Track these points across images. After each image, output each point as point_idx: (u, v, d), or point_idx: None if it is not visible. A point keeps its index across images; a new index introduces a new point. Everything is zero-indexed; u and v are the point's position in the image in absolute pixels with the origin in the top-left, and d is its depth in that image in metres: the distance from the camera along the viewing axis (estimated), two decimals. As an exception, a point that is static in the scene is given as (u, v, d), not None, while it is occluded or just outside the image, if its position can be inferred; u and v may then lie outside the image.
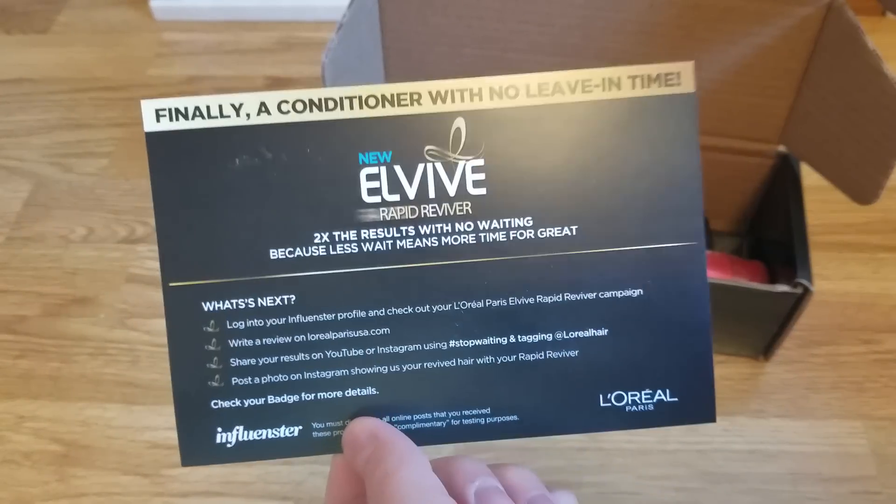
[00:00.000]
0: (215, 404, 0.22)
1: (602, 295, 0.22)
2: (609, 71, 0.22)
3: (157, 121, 0.21)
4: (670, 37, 0.50)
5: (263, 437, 0.22)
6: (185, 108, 0.21)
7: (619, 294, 0.22)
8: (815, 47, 0.48)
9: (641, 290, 0.22)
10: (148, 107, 0.21)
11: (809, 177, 0.51)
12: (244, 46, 0.80)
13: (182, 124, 0.21)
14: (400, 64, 0.57)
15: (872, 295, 0.56)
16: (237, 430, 0.22)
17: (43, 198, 0.66)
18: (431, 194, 0.22)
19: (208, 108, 0.21)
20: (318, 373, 0.22)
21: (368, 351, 0.22)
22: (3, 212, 0.65)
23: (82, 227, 0.63)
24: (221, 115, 0.21)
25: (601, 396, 0.22)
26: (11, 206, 0.65)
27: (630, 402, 0.22)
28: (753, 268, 0.52)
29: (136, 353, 0.55)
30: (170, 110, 0.21)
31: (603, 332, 0.22)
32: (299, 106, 0.21)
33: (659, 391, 0.22)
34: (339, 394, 0.22)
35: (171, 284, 0.22)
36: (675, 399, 0.22)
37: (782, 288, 0.45)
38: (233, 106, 0.21)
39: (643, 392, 0.22)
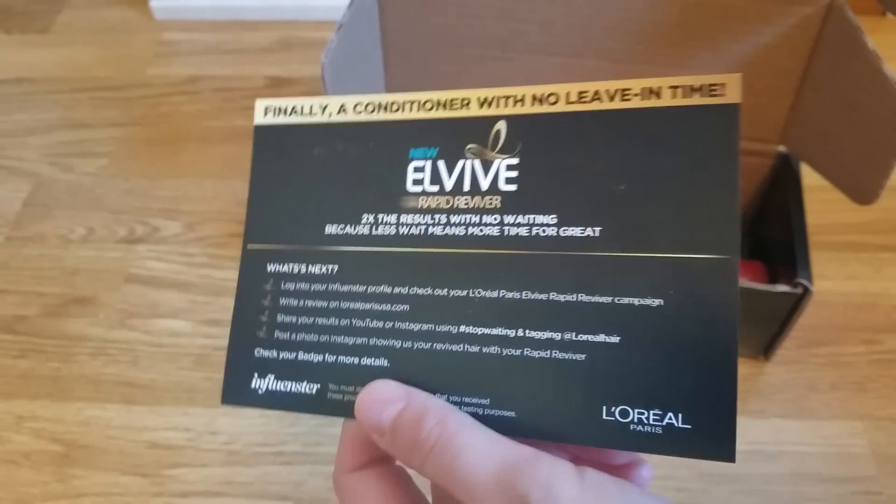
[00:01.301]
0: (258, 352, 0.24)
1: (618, 300, 0.21)
2: (650, 81, 0.22)
3: (265, 115, 0.26)
4: (671, 36, 0.50)
5: (287, 389, 0.24)
6: (286, 107, 0.25)
7: (636, 302, 0.21)
8: (815, 47, 0.48)
9: (662, 301, 0.21)
10: (259, 104, 0.26)
11: (810, 177, 0.51)
12: (244, 46, 0.80)
13: (281, 119, 0.25)
14: (400, 64, 0.57)
15: (873, 295, 0.56)
16: (269, 378, 0.24)
17: (42, 198, 0.66)
18: (466, 187, 0.23)
19: (302, 107, 0.25)
20: (342, 338, 0.24)
21: (388, 324, 0.23)
22: (2, 212, 0.65)
23: (82, 227, 0.63)
24: (311, 113, 0.25)
25: (604, 408, 0.21)
26: (11, 206, 0.65)
27: (636, 419, 0.21)
28: (753, 268, 0.52)
29: (135, 354, 0.55)
30: (276, 108, 0.25)
31: (614, 339, 0.21)
32: (370, 108, 0.25)
33: (670, 414, 0.21)
34: (356, 360, 0.23)
35: (249, 247, 0.25)
36: (688, 426, 0.21)
37: (782, 288, 0.45)
38: (320, 106, 0.25)
39: (651, 412, 0.21)
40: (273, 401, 0.24)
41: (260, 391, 0.24)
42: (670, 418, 0.21)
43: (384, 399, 0.21)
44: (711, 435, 0.21)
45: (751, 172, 0.56)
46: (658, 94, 0.22)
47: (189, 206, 0.64)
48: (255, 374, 0.24)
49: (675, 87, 0.22)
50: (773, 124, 0.53)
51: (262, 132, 0.25)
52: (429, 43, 0.55)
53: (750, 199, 0.58)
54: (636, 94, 0.22)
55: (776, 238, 0.52)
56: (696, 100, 0.22)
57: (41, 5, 0.87)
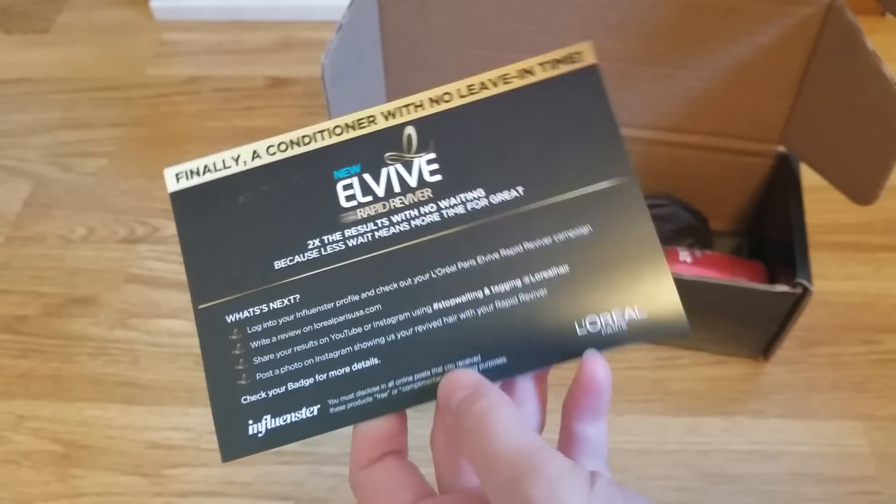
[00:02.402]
0: (244, 400, 0.25)
1: (556, 238, 0.25)
2: (523, 63, 0.26)
3: (177, 182, 0.26)
4: (670, 37, 0.50)
5: (288, 421, 0.25)
6: (197, 168, 0.26)
7: (570, 234, 0.25)
8: (815, 47, 0.48)
9: (590, 226, 0.25)
10: (168, 172, 0.26)
11: (809, 177, 0.51)
12: (244, 46, 0.80)
13: (196, 181, 0.26)
14: (400, 64, 0.57)
15: (873, 295, 0.56)
16: (265, 420, 0.25)
17: (43, 198, 0.66)
18: (397, 189, 0.26)
19: (214, 164, 0.26)
20: (326, 355, 0.25)
21: (366, 327, 0.25)
22: (2, 212, 0.65)
23: (82, 227, 0.63)
24: (224, 167, 0.26)
25: (576, 325, 0.24)
26: (11, 206, 0.65)
27: (603, 324, 0.24)
28: (753, 268, 0.52)
29: (136, 353, 0.55)
30: (186, 172, 0.26)
31: (564, 268, 0.25)
32: (283, 146, 0.26)
33: (628, 309, 0.24)
34: (347, 369, 0.25)
35: (199, 307, 0.26)
36: (645, 315, 0.24)
37: (782, 288, 0.45)
38: (232, 158, 0.26)
39: (613, 313, 0.24)
40: (277, 438, 0.25)
41: (260, 435, 0.25)
42: (629, 313, 0.24)
43: (459, 384, 0.23)
44: (664, 315, 0.24)
45: (750, 172, 0.56)
46: (532, 72, 0.26)
47: (189, 206, 0.64)
48: (250, 421, 0.25)
49: (543, 63, 0.26)
50: (773, 124, 0.53)
51: (180, 197, 0.26)
52: (429, 43, 0.55)
53: (750, 199, 0.58)
54: (514, 77, 0.26)
55: (776, 238, 0.53)
56: (563, 69, 0.26)
57: (41, 5, 0.87)
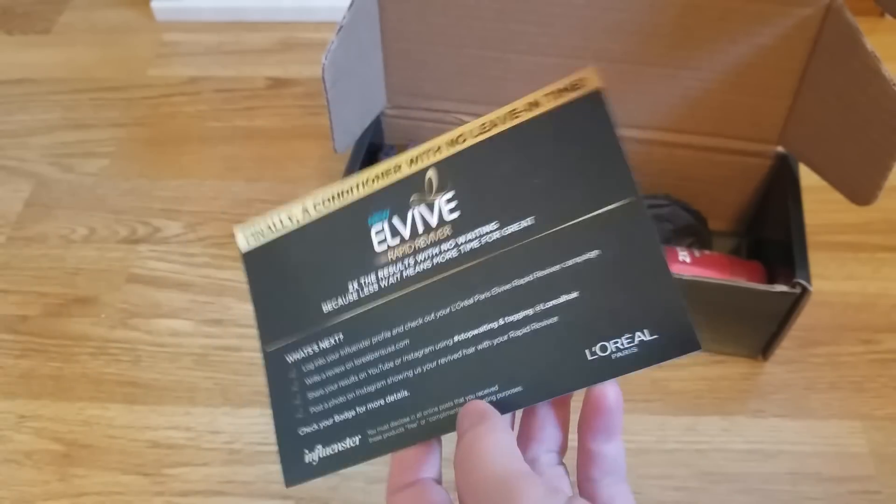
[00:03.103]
0: (301, 432, 0.28)
1: (565, 264, 0.25)
2: (529, 96, 0.26)
3: (248, 243, 0.30)
4: (670, 37, 0.51)
5: (336, 450, 0.27)
6: (262, 230, 0.29)
7: (578, 259, 0.25)
8: (814, 48, 0.48)
9: (599, 251, 0.25)
10: (240, 235, 0.30)
11: (809, 177, 0.51)
12: (245, 47, 0.80)
13: (262, 240, 0.29)
14: (400, 64, 0.57)
15: (872, 295, 0.56)
16: (318, 449, 0.27)
17: (44, 198, 0.66)
18: (420, 229, 0.27)
19: (274, 224, 0.29)
20: (365, 388, 0.27)
21: (396, 361, 0.27)
22: (4, 212, 0.65)
23: (83, 227, 0.63)
24: (283, 226, 0.29)
25: (587, 351, 0.25)
26: (12, 206, 0.65)
27: (614, 349, 0.24)
28: (752, 268, 0.53)
29: (137, 353, 0.55)
30: (255, 233, 0.29)
31: (574, 294, 0.25)
32: (326, 203, 0.28)
33: (637, 333, 0.24)
34: (382, 402, 0.27)
35: (268, 350, 0.29)
36: (656, 336, 0.24)
37: (780, 288, 0.45)
38: (288, 218, 0.29)
39: (623, 337, 0.24)
40: (327, 466, 0.27)
41: (314, 463, 0.27)
42: (639, 336, 0.24)
43: (466, 414, 0.24)
44: (675, 336, 0.24)
45: (749, 173, 0.56)
46: (538, 104, 0.26)
47: (190, 207, 0.64)
48: (306, 451, 0.27)
49: (548, 94, 0.26)
50: (772, 125, 0.53)
51: (250, 258, 0.29)
52: (429, 44, 0.55)
53: (749, 199, 0.58)
54: (522, 111, 0.26)
55: (775, 238, 0.53)
56: (567, 97, 0.26)
57: (42, 6, 0.87)
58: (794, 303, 0.46)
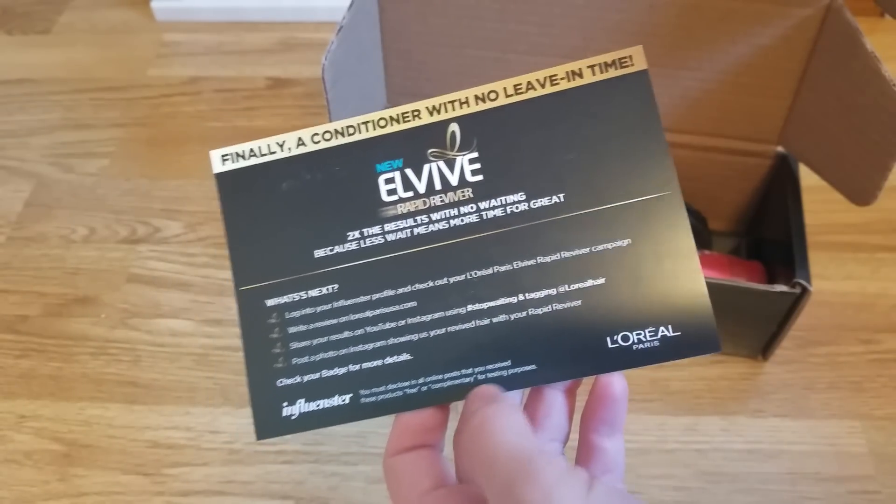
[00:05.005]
0: (280, 383, 0.26)
1: (595, 249, 0.25)
2: (571, 64, 0.26)
3: (223, 164, 0.27)
4: (670, 37, 0.51)
5: (321, 406, 0.25)
6: (243, 151, 0.27)
7: (609, 246, 0.25)
8: (814, 48, 0.49)
9: (630, 240, 0.25)
10: (215, 155, 0.27)
11: (809, 177, 0.51)
12: (245, 47, 0.80)
13: (241, 164, 0.26)
14: (400, 65, 0.57)
15: (871, 295, 0.56)
16: (299, 403, 0.26)
17: (44, 198, 0.66)
18: (438, 186, 0.26)
19: (259, 148, 0.26)
20: (360, 346, 0.25)
21: (400, 322, 0.25)
22: (4, 212, 0.65)
23: (83, 227, 0.63)
24: (270, 152, 0.26)
25: (608, 339, 0.24)
26: (12, 207, 0.65)
27: (636, 340, 0.24)
28: (752, 268, 0.53)
29: (137, 353, 0.55)
30: (233, 154, 0.27)
31: (601, 280, 0.25)
32: (327, 135, 0.26)
33: (661, 328, 0.24)
34: (380, 362, 0.25)
35: (241, 289, 0.26)
36: (678, 333, 0.24)
37: (780, 288, 0.46)
38: (277, 144, 0.26)
39: (647, 330, 0.24)
40: (309, 422, 0.26)
41: (293, 417, 0.26)
42: (663, 331, 0.24)
43: (478, 394, 0.24)
44: (697, 334, 0.24)
45: (749, 173, 0.56)
46: (580, 75, 0.25)
47: (190, 207, 0.64)
48: (285, 403, 0.26)
49: (592, 66, 0.25)
50: (772, 125, 0.53)
51: (225, 178, 0.27)
52: (429, 44, 0.55)
53: (749, 199, 0.58)
54: (562, 78, 0.26)
55: (774, 238, 0.53)
56: (612, 73, 0.25)
57: (42, 6, 0.87)
58: (794, 303, 0.46)
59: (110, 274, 0.60)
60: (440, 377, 0.25)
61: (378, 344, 0.25)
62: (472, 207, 0.25)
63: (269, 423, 0.26)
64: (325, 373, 0.25)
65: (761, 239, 0.57)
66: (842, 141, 0.47)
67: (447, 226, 0.25)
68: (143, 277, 0.60)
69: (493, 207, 0.25)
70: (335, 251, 0.26)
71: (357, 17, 0.50)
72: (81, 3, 0.87)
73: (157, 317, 0.57)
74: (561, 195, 0.25)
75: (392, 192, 0.26)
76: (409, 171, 0.26)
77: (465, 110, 0.26)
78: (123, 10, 0.85)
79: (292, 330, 0.26)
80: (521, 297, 0.25)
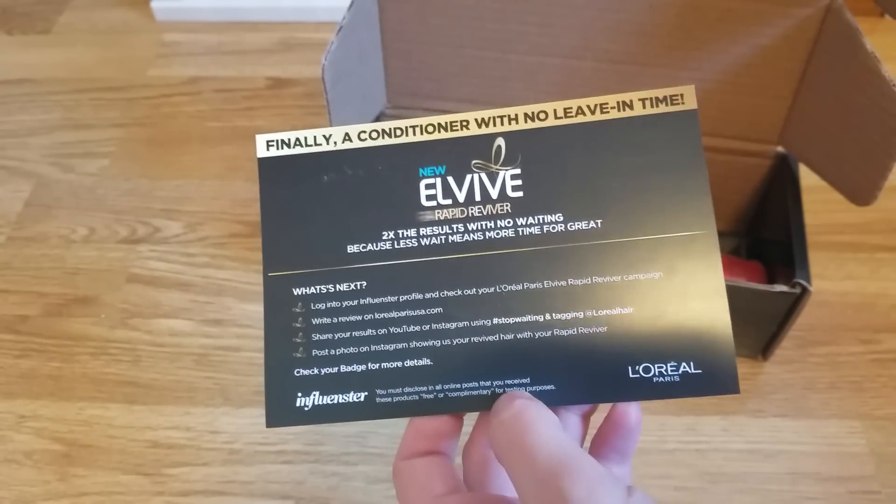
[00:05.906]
0: (297, 372, 0.26)
1: (626, 277, 0.25)
2: (623, 95, 0.26)
3: (267, 149, 0.27)
4: (670, 37, 0.51)
5: (335, 401, 0.26)
6: (289, 139, 0.27)
7: (641, 276, 0.25)
8: (813, 48, 0.49)
9: (661, 273, 0.25)
10: (260, 139, 0.27)
11: (809, 177, 0.51)
12: (245, 47, 0.80)
13: (285, 151, 0.27)
14: (400, 65, 0.57)
15: (871, 295, 0.56)
16: (314, 395, 0.26)
17: (44, 198, 0.66)
18: (477, 198, 0.26)
19: (305, 138, 0.27)
20: (382, 346, 0.26)
21: (424, 327, 0.25)
22: (4, 212, 0.65)
23: (83, 227, 0.63)
24: (315, 144, 0.27)
25: (630, 368, 0.25)
26: (12, 207, 0.65)
27: (657, 373, 0.24)
28: (752, 268, 0.53)
29: (137, 353, 0.55)
30: (277, 141, 0.27)
31: (628, 310, 0.25)
32: (374, 134, 0.27)
33: (683, 364, 0.24)
34: (399, 364, 0.25)
35: (269, 275, 0.26)
36: (699, 371, 0.24)
37: (780, 288, 0.46)
38: (324, 136, 0.27)
39: (668, 364, 0.24)
40: (321, 415, 0.26)
41: (306, 408, 0.26)
42: (684, 367, 0.25)
43: (511, 397, 0.24)
44: (718, 375, 0.24)
45: (749, 173, 0.56)
46: (631, 106, 0.26)
47: (190, 207, 0.64)
48: (299, 394, 0.26)
49: (643, 99, 0.26)
50: (772, 125, 0.53)
51: (267, 164, 0.27)
52: (429, 44, 0.55)
53: (748, 199, 0.58)
54: (613, 107, 0.26)
55: (774, 238, 0.53)
56: (662, 108, 0.26)
57: (42, 6, 0.87)
58: (794, 303, 0.46)
59: (110, 274, 0.60)
60: (458, 385, 0.25)
61: (400, 345, 0.26)
62: (509, 222, 0.26)
63: (281, 412, 0.26)
64: (344, 368, 0.26)
65: (761, 239, 0.57)
66: (841, 141, 0.47)
67: (482, 237, 0.26)
68: (143, 277, 0.60)
69: (531, 225, 0.26)
70: (368, 249, 0.26)
71: (357, 17, 0.50)
72: (81, 3, 0.87)
73: (157, 317, 0.57)
74: (599, 221, 0.25)
75: (431, 197, 0.26)
76: (450, 179, 0.26)
77: (514, 126, 0.26)
78: (123, 10, 0.85)
79: (316, 321, 0.26)
80: (548, 316, 0.25)
